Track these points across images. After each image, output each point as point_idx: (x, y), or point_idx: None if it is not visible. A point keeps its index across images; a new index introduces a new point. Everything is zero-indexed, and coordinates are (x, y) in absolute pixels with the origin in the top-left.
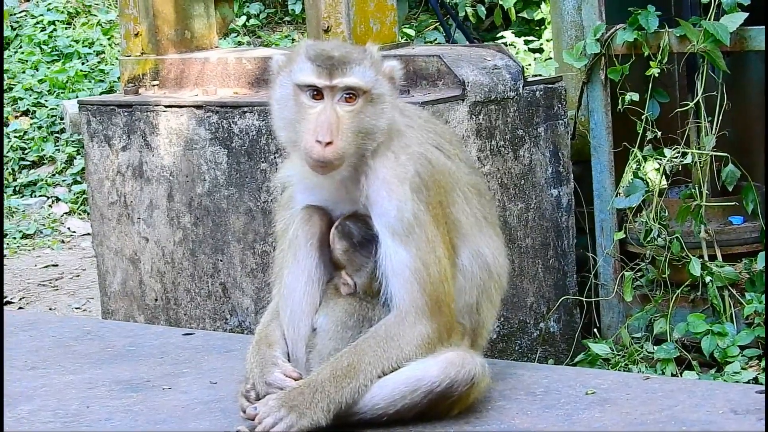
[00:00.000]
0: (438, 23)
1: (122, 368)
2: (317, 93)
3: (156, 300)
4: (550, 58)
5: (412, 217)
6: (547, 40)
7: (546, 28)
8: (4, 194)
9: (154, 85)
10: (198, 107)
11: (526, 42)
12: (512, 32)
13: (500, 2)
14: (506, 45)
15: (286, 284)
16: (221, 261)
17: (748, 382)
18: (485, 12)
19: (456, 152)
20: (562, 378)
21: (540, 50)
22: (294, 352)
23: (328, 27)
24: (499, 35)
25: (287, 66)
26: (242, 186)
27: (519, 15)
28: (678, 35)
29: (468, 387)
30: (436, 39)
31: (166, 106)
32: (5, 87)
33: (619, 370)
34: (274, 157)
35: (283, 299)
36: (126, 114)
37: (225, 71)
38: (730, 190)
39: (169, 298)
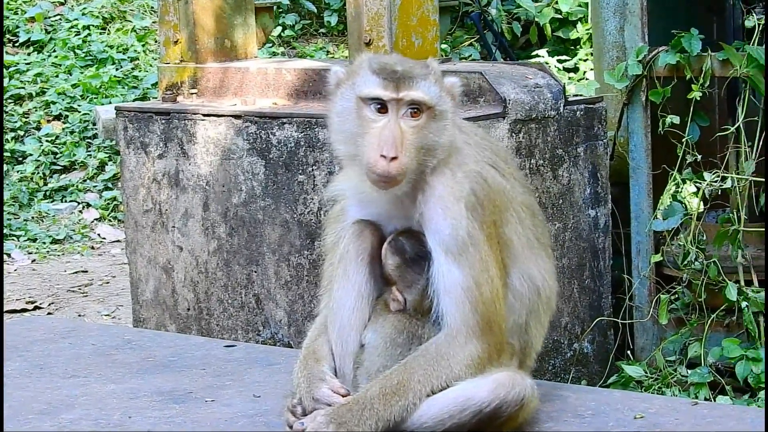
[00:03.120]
0: (473, 39)
1: (164, 379)
2: (381, 107)
3: (188, 310)
4: (584, 78)
5: (467, 236)
6: (582, 60)
7: (581, 47)
8: (35, 198)
9: (192, 94)
10: (236, 117)
11: (560, 61)
12: (546, 51)
13: (536, 20)
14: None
15: (335, 299)
16: (255, 272)
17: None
18: (521, 29)
19: (511, 171)
20: (609, 401)
21: (574, 69)
22: (341, 367)
23: (370, 40)
24: (533, 54)
25: (349, 79)
26: (279, 197)
27: (554, 34)
28: (720, 59)
29: (517, 408)
30: (471, 55)
31: (204, 115)
32: (39, 90)
33: (652, 393)
34: (312, 170)
35: (331, 314)
36: (163, 121)
37: (265, 81)
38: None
39: (202, 308)
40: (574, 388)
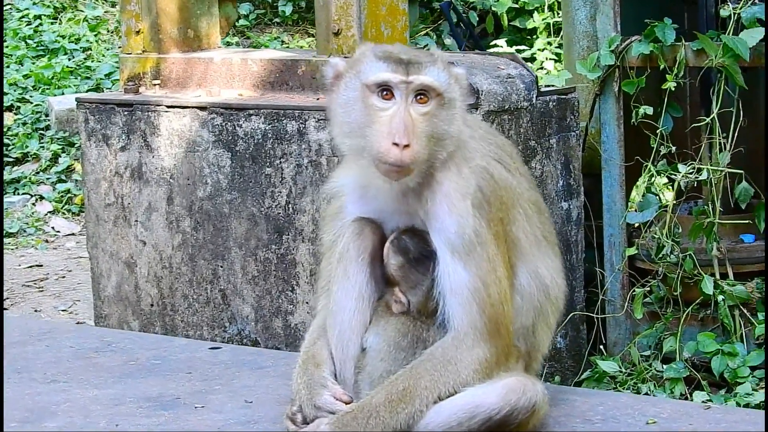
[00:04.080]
0: (428, 29)
1: (149, 383)
2: (388, 93)
3: (152, 305)
4: (542, 68)
5: (473, 235)
6: (540, 50)
7: (537, 37)
8: None
9: (155, 84)
10: (201, 108)
11: (518, 51)
12: (504, 41)
13: (493, 9)
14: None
15: (334, 301)
16: (221, 267)
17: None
18: (477, 19)
19: (516, 166)
20: (617, 405)
21: (531, 59)
22: (342, 372)
23: (339, 30)
24: (492, 43)
25: (352, 68)
26: (245, 191)
27: (511, 23)
28: (695, 49)
29: (528, 415)
30: (427, 45)
31: (168, 107)
32: None
33: (628, 390)
34: (280, 162)
35: (331, 316)
36: (126, 113)
37: (230, 72)
38: (743, 207)
39: (166, 304)
40: (580, 391)
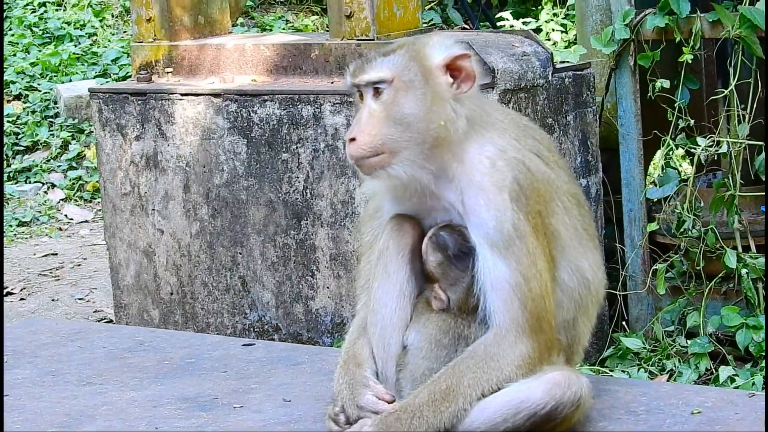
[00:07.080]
0: (433, 3)
1: (185, 383)
2: (360, 93)
3: (171, 294)
4: (548, 39)
5: (512, 228)
6: (545, 22)
7: (542, 8)
8: None
9: (167, 72)
10: (216, 95)
11: (525, 23)
12: (510, 13)
13: None
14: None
15: (375, 298)
16: (240, 254)
17: None
18: None
19: (555, 159)
20: (660, 395)
21: (537, 31)
22: (384, 371)
23: (351, 13)
24: (497, 16)
25: None
26: (262, 177)
27: None
28: (711, 20)
29: (573, 409)
30: (432, 20)
31: (182, 95)
32: None
33: (652, 366)
34: (296, 147)
35: (372, 315)
36: (140, 102)
37: (242, 58)
38: (764, 179)
39: (186, 292)
40: (621, 381)
